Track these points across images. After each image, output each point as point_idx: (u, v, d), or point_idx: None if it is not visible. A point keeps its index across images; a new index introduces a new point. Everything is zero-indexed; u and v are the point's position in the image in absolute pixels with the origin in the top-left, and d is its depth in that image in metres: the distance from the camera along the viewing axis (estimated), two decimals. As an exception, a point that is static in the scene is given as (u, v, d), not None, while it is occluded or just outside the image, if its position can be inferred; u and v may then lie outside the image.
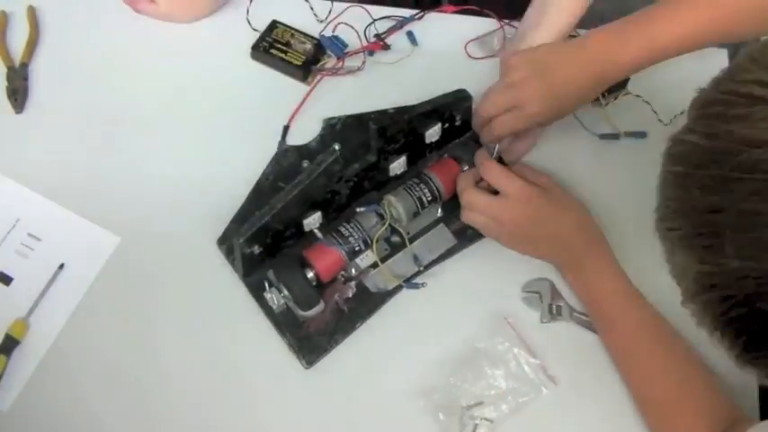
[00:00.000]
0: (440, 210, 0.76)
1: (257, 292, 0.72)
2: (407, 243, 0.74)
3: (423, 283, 0.73)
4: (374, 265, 0.73)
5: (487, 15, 0.87)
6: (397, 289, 0.73)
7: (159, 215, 0.79)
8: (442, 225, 0.76)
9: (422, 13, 0.90)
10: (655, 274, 0.71)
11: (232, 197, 0.76)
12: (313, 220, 0.71)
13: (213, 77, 0.87)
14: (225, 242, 0.74)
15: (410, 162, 0.76)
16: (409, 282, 0.73)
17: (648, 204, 0.58)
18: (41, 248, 0.77)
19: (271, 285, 0.71)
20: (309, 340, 0.71)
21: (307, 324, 0.71)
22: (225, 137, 0.83)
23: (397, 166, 0.75)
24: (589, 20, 0.92)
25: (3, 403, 0.71)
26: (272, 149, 0.80)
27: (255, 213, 0.68)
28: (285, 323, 0.71)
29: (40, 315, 0.74)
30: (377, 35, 0.88)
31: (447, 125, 0.76)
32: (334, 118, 0.80)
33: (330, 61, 0.87)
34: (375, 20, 0.88)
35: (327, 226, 0.73)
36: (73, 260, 0.77)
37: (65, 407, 0.71)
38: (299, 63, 0.86)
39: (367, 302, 0.72)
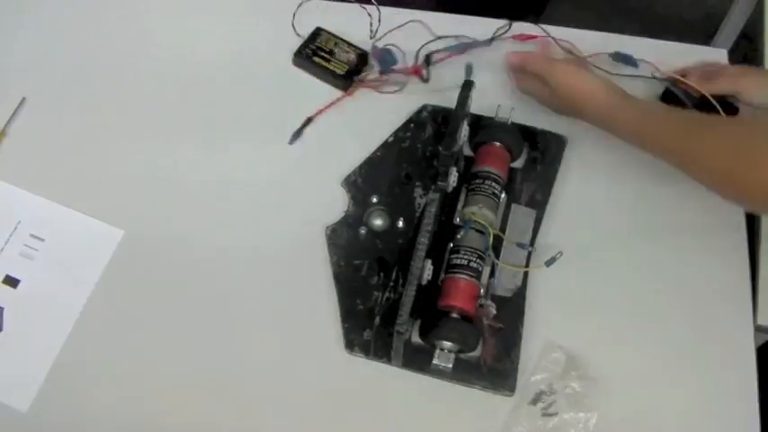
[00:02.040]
0: (504, 193, 0.79)
1: (417, 366, 0.73)
2: (503, 236, 0.77)
3: (559, 253, 0.74)
4: (491, 275, 0.75)
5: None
6: (525, 279, 0.76)
7: (163, 211, 0.83)
8: (514, 205, 0.80)
9: (491, 39, 0.88)
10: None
11: (242, 197, 0.83)
12: (428, 272, 0.72)
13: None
14: (353, 345, 0.75)
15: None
16: (548, 262, 0.74)
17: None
18: (45, 248, 0.78)
19: (432, 349, 0.72)
20: (497, 372, 0.72)
21: (482, 360, 0.73)
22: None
23: (453, 179, 0.76)
24: (589, 20, 0.98)
25: (22, 404, 0.73)
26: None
27: (402, 298, 0.68)
28: (465, 374, 0.72)
29: (52, 313, 0.75)
30: (427, 56, 0.86)
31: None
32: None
33: (373, 74, 0.87)
34: (439, 37, 0.88)
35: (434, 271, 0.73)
36: (78, 257, 0.77)
37: (83, 404, 0.74)
38: (342, 72, 0.87)
39: (512, 306, 0.75)
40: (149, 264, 0.81)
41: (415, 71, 0.86)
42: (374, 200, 0.82)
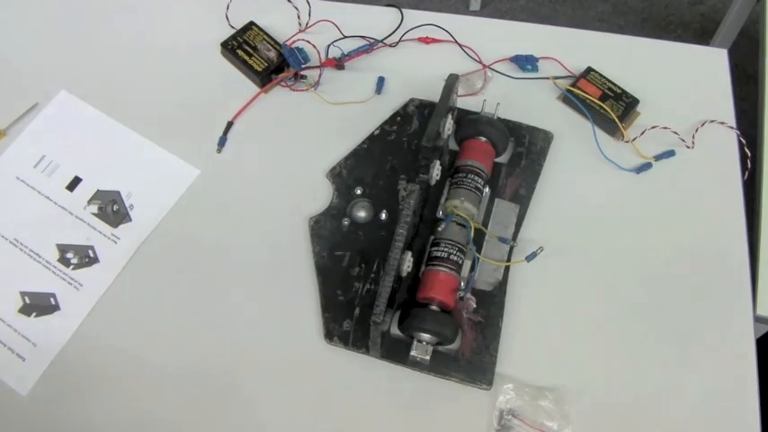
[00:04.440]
0: (487, 188, 0.80)
1: (396, 358, 0.73)
2: (485, 230, 0.78)
3: (540, 248, 0.75)
4: (472, 268, 0.75)
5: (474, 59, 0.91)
6: (506, 273, 0.76)
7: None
8: (497, 200, 0.80)
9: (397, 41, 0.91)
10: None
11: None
12: (408, 264, 0.73)
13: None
14: (333, 335, 0.75)
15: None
16: (529, 257, 0.75)
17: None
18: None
19: (411, 340, 0.72)
20: (474, 365, 0.73)
21: (460, 353, 0.73)
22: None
23: (436, 173, 0.76)
24: (589, 20, 1.00)
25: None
26: (213, 146, 0.87)
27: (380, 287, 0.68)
28: (443, 366, 0.73)
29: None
30: (339, 57, 0.89)
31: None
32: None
33: (292, 73, 0.88)
34: (345, 37, 0.92)
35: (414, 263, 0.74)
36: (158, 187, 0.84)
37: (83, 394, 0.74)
38: (260, 69, 0.88)
39: (492, 300, 0.75)
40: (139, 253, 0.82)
41: (329, 63, 0.89)
42: (358, 192, 0.83)
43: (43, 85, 0.91)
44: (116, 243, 0.82)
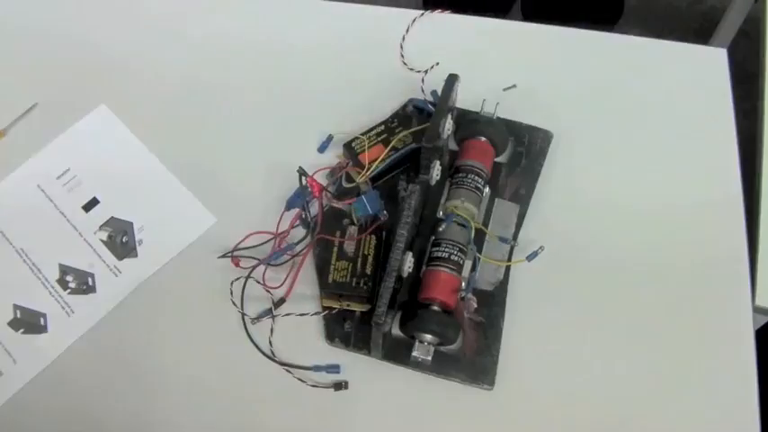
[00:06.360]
0: (487, 188, 0.79)
1: (397, 358, 0.73)
2: (486, 230, 0.78)
3: (541, 248, 0.74)
4: (473, 268, 0.74)
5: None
6: (506, 273, 0.76)
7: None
8: (497, 200, 0.80)
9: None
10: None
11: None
12: (408, 265, 0.72)
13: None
14: (334, 336, 0.75)
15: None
16: (530, 256, 0.74)
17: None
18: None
19: (412, 341, 0.72)
20: (476, 365, 0.73)
21: (462, 353, 0.73)
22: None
23: (436, 173, 0.76)
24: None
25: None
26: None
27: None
28: (445, 366, 0.73)
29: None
30: None
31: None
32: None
33: None
34: None
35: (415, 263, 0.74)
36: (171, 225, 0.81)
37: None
38: None
39: (493, 300, 0.75)
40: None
41: None
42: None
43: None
44: (116, 276, 0.80)
